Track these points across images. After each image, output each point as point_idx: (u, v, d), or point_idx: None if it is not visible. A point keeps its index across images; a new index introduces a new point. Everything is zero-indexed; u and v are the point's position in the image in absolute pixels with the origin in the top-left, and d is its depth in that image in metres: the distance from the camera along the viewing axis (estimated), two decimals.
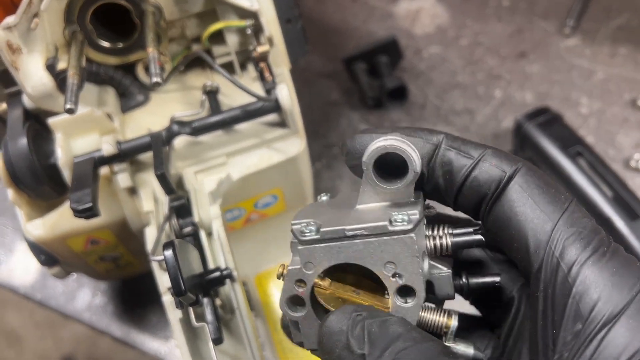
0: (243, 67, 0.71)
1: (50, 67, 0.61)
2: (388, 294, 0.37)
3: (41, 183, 0.62)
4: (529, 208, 0.34)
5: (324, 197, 0.44)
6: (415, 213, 0.36)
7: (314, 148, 0.93)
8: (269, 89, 0.64)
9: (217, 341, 0.53)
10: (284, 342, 0.75)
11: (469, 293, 0.39)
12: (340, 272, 0.38)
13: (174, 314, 0.55)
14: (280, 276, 0.39)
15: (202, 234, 0.60)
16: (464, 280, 0.39)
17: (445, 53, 1.02)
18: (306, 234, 0.37)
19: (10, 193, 0.63)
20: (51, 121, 0.62)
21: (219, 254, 0.58)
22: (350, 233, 0.36)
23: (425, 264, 0.37)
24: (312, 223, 0.37)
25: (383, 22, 1.07)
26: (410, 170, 0.36)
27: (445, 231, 0.37)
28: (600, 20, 1.03)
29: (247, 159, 0.66)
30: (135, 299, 0.82)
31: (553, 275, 0.32)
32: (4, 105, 0.66)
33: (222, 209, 0.65)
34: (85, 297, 0.83)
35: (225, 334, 0.57)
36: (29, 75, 0.60)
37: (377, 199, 0.38)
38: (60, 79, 0.61)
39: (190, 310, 0.56)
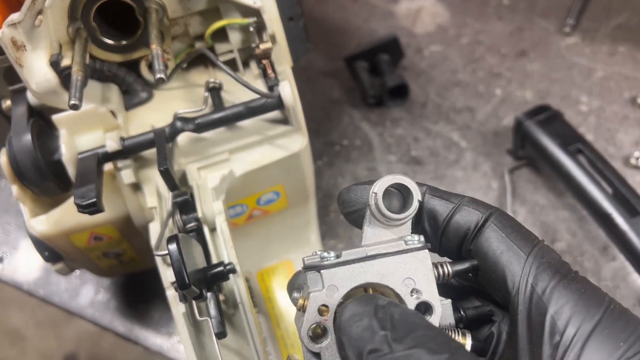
0: (246, 64, 0.72)
1: (54, 64, 0.61)
2: None
3: (45, 179, 0.63)
4: (503, 244, 0.38)
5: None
6: (421, 238, 0.40)
7: (315, 146, 0.93)
8: (272, 86, 0.65)
9: (221, 335, 0.54)
10: (286, 338, 0.75)
11: (465, 323, 0.41)
12: None
13: (177, 309, 0.56)
14: (301, 308, 0.38)
15: (206, 230, 0.60)
16: (461, 312, 0.41)
17: (446, 51, 1.03)
18: (327, 259, 0.39)
19: (15, 189, 0.64)
20: (55, 118, 0.63)
21: (222, 249, 0.59)
22: (371, 253, 0.39)
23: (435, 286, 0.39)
24: (329, 251, 0.39)
25: (384, 21, 1.08)
26: (414, 199, 0.40)
27: (445, 262, 0.41)
28: (600, 19, 1.04)
29: (249, 156, 0.66)
30: (138, 295, 0.83)
31: (528, 299, 0.36)
32: (8, 102, 0.66)
33: (225, 205, 0.66)
34: (88, 293, 0.83)
35: (228, 328, 0.58)
36: (33, 72, 0.60)
37: (381, 236, 0.41)
38: (64, 75, 0.62)
39: (194, 304, 0.57)
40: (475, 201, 0.41)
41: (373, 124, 0.96)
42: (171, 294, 0.57)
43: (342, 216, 0.45)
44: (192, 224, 0.60)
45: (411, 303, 0.38)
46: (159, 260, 0.57)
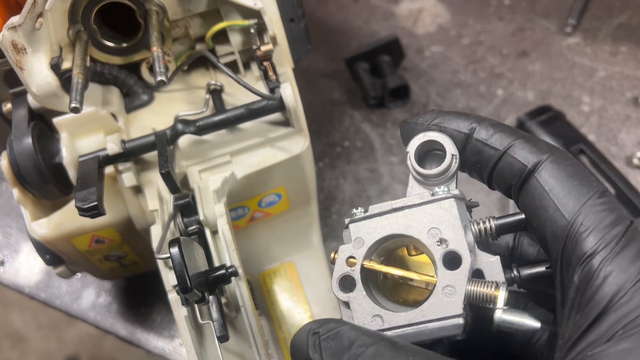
0: (246, 66, 0.72)
1: (55, 67, 0.61)
2: (436, 274, 0.38)
3: (46, 182, 0.62)
4: (547, 202, 0.35)
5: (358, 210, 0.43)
6: (455, 189, 0.39)
7: (316, 147, 0.93)
8: (273, 88, 0.65)
9: (223, 339, 0.54)
10: (289, 340, 0.75)
11: (520, 284, 0.39)
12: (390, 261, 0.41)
13: (179, 312, 0.55)
14: (332, 261, 0.40)
15: (207, 233, 0.60)
16: (515, 272, 0.39)
17: (447, 52, 1.03)
18: (355, 214, 0.40)
19: (16, 192, 0.64)
20: (56, 121, 0.63)
21: (224, 252, 0.58)
22: (397, 206, 0.39)
23: (469, 236, 0.38)
24: (359, 207, 0.41)
25: (385, 21, 1.08)
26: (447, 153, 0.39)
27: (489, 217, 0.39)
28: (602, 18, 1.03)
29: (251, 158, 0.66)
30: (140, 298, 0.82)
31: (568, 267, 0.33)
32: (9, 105, 0.66)
33: (226, 208, 0.66)
34: (89, 296, 0.83)
35: (230, 331, 0.57)
36: (34, 74, 0.60)
37: (422, 190, 0.41)
38: (64, 78, 0.61)
39: (196, 308, 0.57)
40: (525, 145, 0.37)
41: (374, 125, 0.96)
42: (173, 297, 0.56)
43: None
44: (194, 227, 0.60)
45: (438, 253, 0.37)
46: (160, 264, 0.57)
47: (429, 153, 0.42)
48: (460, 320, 0.36)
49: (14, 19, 0.57)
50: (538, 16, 1.05)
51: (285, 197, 0.73)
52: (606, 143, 0.89)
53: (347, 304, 0.39)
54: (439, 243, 0.38)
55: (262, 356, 0.57)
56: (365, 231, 0.39)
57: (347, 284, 0.39)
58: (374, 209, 0.40)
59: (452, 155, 0.40)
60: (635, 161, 0.87)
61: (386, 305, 0.39)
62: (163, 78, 0.56)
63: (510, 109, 0.95)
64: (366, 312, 0.38)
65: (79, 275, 0.83)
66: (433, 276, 0.38)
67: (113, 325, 0.81)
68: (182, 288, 0.47)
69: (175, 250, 0.47)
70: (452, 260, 0.37)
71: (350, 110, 0.98)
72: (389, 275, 0.40)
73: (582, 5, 1.03)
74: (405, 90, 0.96)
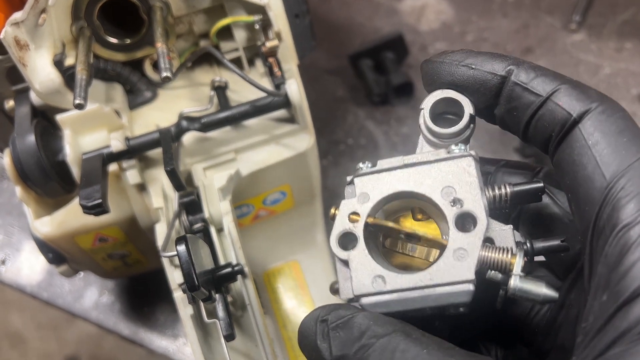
0: (251, 63, 0.71)
1: (58, 64, 0.61)
2: (447, 237, 0.35)
3: (49, 180, 0.62)
4: (587, 158, 0.30)
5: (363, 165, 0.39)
6: (468, 148, 0.36)
7: (320, 144, 0.91)
8: (278, 84, 0.64)
9: (229, 337, 0.53)
10: (293, 340, 0.74)
11: (532, 257, 0.36)
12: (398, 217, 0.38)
13: (185, 311, 0.55)
14: (332, 217, 0.37)
15: (213, 230, 0.59)
16: (527, 245, 0.35)
17: (451, 49, 1.02)
18: (362, 169, 0.37)
19: (18, 190, 0.63)
20: (59, 118, 0.62)
21: (229, 250, 0.58)
22: (409, 162, 0.36)
23: (484, 199, 0.35)
24: (365, 161, 0.37)
25: (388, 18, 1.07)
26: (465, 113, 0.36)
27: (504, 183, 0.36)
28: (606, 14, 1.03)
29: (256, 155, 0.65)
30: (143, 297, 0.82)
31: (600, 236, 0.29)
32: (11, 102, 0.65)
33: (232, 206, 0.65)
34: (92, 295, 0.83)
35: (236, 330, 0.57)
36: (37, 71, 0.60)
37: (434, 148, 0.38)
38: (67, 75, 0.61)
39: (202, 306, 0.56)
40: (571, 92, 0.32)
41: (378, 123, 0.95)
42: (179, 295, 0.56)
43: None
44: (199, 225, 0.60)
45: (451, 213, 0.34)
46: (166, 262, 0.56)
47: (441, 116, 0.39)
48: (471, 287, 0.32)
49: (17, 15, 0.56)
50: (542, 12, 1.05)
51: (290, 195, 0.72)
52: None
53: (345, 263, 0.36)
54: (452, 203, 0.34)
55: (269, 355, 0.56)
56: (371, 186, 0.36)
57: (347, 241, 0.36)
58: (383, 163, 0.37)
59: (470, 115, 0.36)
60: None
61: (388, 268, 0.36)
62: (168, 74, 0.55)
63: None
64: (367, 272, 0.34)
65: (81, 274, 0.82)
66: (443, 237, 0.36)
67: (116, 325, 0.81)
68: (190, 286, 0.46)
69: (182, 247, 0.46)
70: (465, 222, 0.34)
71: (354, 108, 0.97)
72: (396, 232, 0.36)
73: (586, 2, 1.02)
74: (409, 87, 0.95)
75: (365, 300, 0.34)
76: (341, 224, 0.36)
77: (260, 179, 0.67)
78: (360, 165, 0.38)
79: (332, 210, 0.37)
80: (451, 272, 0.33)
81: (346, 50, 1.00)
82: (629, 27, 1.01)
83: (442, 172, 0.35)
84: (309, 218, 0.77)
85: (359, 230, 0.36)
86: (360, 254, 0.35)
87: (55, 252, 0.67)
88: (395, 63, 0.96)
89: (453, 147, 0.36)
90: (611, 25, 1.01)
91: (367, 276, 0.34)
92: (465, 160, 0.35)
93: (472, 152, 0.36)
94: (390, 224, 0.36)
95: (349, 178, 0.38)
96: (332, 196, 0.88)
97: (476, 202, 0.34)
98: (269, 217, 0.74)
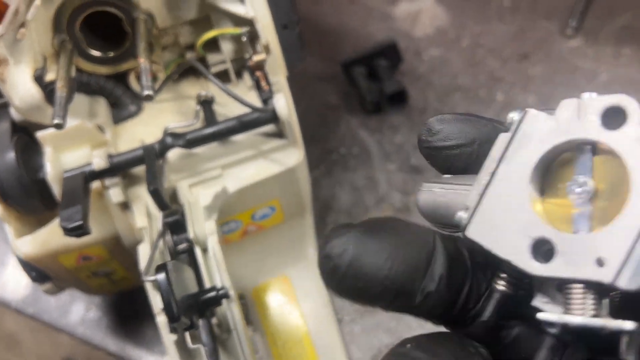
0: (239, 75, 0.69)
1: (39, 79, 0.59)
2: None
3: (30, 198, 0.60)
4: None
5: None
6: None
7: (312, 154, 0.90)
8: (266, 98, 0.62)
9: None
10: (284, 357, 0.73)
11: None
12: None
13: (168, 337, 0.53)
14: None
15: (198, 251, 0.58)
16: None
17: (445, 55, 1.00)
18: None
19: None
20: (40, 135, 0.60)
21: (214, 272, 0.56)
22: None
23: None
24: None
25: (382, 23, 1.05)
26: None
27: None
28: (604, 19, 1.01)
29: (243, 171, 0.64)
30: (130, 312, 0.80)
31: None
32: None
33: (218, 223, 0.63)
34: (79, 311, 0.81)
35: (222, 353, 0.55)
36: (17, 87, 0.58)
37: None
38: (49, 90, 0.59)
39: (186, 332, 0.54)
40: None
41: (371, 131, 0.93)
42: (162, 320, 0.54)
43: None
44: (184, 245, 0.58)
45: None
46: (148, 286, 0.55)
47: None
48: None
49: None
50: (539, 18, 1.03)
51: (279, 210, 0.70)
52: None
53: None
54: None
55: None
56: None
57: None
58: None
59: None
60: None
61: None
62: (150, 92, 0.53)
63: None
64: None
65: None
66: None
67: (103, 341, 0.79)
68: (170, 318, 0.44)
69: (162, 276, 0.45)
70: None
71: (346, 116, 0.96)
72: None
73: (583, 6, 1.01)
74: (403, 95, 0.93)
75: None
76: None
77: (248, 195, 0.65)
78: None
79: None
80: None
81: (338, 56, 0.98)
82: (626, 33, 0.99)
83: None
84: (300, 232, 0.76)
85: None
86: None
87: (39, 270, 0.66)
88: (389, 70, 0.95)
89: None
90: (608, 30, 1.00)
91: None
92: None
93: None
94: None
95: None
96: (324, 207, 0.87)
97: None
98: (258, 232, 0.72)
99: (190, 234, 0.58)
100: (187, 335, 0.54)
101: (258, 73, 0.62)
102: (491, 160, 0.28)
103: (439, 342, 0.27)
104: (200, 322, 0.52)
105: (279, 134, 0.64)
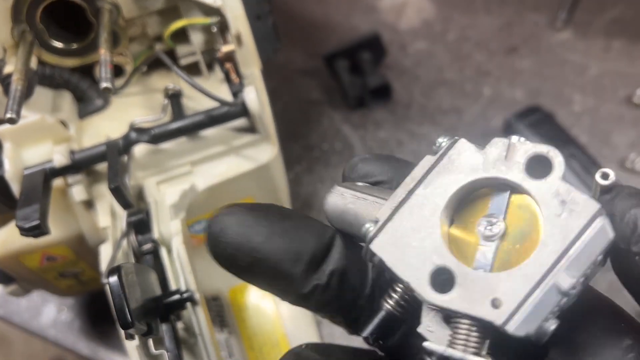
0: (211, 67, 0.66)
1: None
2: None
3: None
4: None
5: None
6: None
7: (293, 150, 0.88)
8: (236, 91, 0.59)
9: None
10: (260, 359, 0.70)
11: None
12: None
13: (130, 343, 0.50)
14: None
15: (163, 252, 0.55)
16: None
17: (431, 48, 0.98)
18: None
19: None
20: None
21: (179, 274, 0.53)
22: None
23: None
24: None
25: (366, 15, 1.02)
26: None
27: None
28: (594, 12, 0.98)
29: (214, 168, 0.61)
30: (103, 314, 0.77)
31: None
32: None
33: (187, 222, 0.61)
34: (50, 312, 0.78)
35: (189, 358, 0.53)
36: None
37: None
38: (6, 84, 0.56)
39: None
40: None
41: (354, 127, 0.91)
42: None
43: None
44: (149, 246, 0.55)
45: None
46: (108, 289, 0.52)
47: None
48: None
49: None
50: (527, 10, 1.00)
51: None
52: (598, 144, 0.85)
53: None
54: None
55: None
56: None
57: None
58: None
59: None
60: (628, 164, 0.82)
61: None
62: (108, 85, 0.51)
63: (498, 108, 0.90)
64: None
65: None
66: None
67: (75, 344, 0.76)
68: (122, 324, 0.42)
69: (114, 280, 0.42)
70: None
71: (329, 111, 0.93)
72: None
73: None
74: (387, 89, 0.91)
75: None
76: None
77: (219, 193, 0.62)
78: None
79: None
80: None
81: (321, 50, 0.95)
82: (617, 26, 0.96)
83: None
84: None
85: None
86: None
87: (1, 271, 0.63)
88: (373, 64, 0.92)
89: None
90: (599, 23, 0.97)
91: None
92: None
93: None
94: None
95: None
96: (305, 205, 0.84)
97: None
98: None
99: (155, 234, 0.55)
100: (150, 340, 0.52)
101: (228, 65, 0.59)
102: (411, 179, 0.27)
103: (335, 348, 0.28)
104: (164, 327, 0.50)
105: (251, 129, 0.61)
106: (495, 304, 0.24)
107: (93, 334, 0.77)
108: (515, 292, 0.23)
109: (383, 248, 0.26)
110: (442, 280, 0.25)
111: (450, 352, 0.24)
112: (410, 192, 0.27)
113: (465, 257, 0.26)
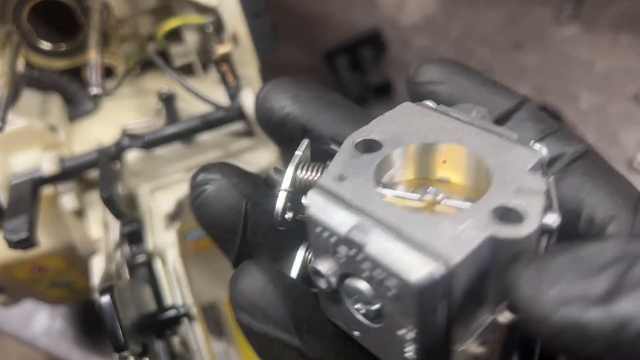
0: (206, 67, 0.64)
1: None
2: None
3: None
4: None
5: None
6: None
7: None
8: (233, 94, 0.57)
9: None
10: None
11: None
12: None
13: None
14: None
15: (158, 263, 0.53)
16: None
17: (434, 44, 0.95)
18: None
19: None
20: None
21: (175, 287, 0.51)
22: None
23: None
24: None
25: (367, 11, 0.99)
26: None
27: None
28: (600, 6, 0.96)
29: None
30: (97, 322, 0.74)
31: None
32: None
33: (183, 230, 0.58)
34: (43, 321, 0.76)
35: None
36: None
37: None
38: None
39: None
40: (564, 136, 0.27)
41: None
42: None
43: None
44: (142, 258, 0.53)
45: None
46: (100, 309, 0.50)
47: None
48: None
49: None
50: (532, 4, 0.97)
51: None
52: (606, 144, 0.82)
53: None
54: None
55: None
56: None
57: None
58: None
59: None
60: (636, 164, 0.80)
61: None
62: (98, 91, 0.48)
63: None
64: None
65: None
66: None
67: (69, 353, 0.74)
68: (115, 347, 0.39)
69: (106, 300, 0.39)
70: None
71: None
72: None
73: None
74: (388, 87, 0.88)
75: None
76: None
77: None
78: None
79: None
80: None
81: (321, 46, 0.93)
82: (624, 20, 0.94)
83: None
84: None
85: None
86: None
87: None
88: (373, 61, 0.89)
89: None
90: (605, 17, 0.94)
91: None
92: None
93: None
94: None
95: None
96: None
97: None
98: None
99: (150, 245, 0.53)
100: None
101: (224, 67, 0.57)
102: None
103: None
104: (160, 345, 0.47)
105: (249, 133, 0.59)
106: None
107: (87, 342, 0.75)
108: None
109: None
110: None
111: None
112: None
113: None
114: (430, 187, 0.25)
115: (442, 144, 0.25)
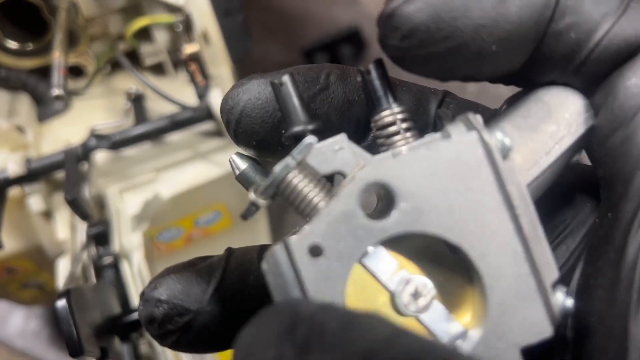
0: (178, 67, 0.63)
1: None
2: None
3: None
4: None
5: None
6: None
7: None
8: (201, 94, 0.56)
9: None
10: None
11: None
12: None
13: None
14: None
15: (125, 265, 0.52)
16: None
17: None
18: None
19: None
20: None
21: (140, 289, 0.51)
22: None
23: None
24: None
25: (348, 7, 0.99)
26: None
27: None
28: None
29: (179, 174, 0.58)
30: None
31: None
32: None
33: (153, 230, 0.58)
34: (17, 321, 0.75)
35: None
36: None
37: None
38: None
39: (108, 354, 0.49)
40: None
41: None
42: None
43: None
44: (109, 259, 0.52)
45: None
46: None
47: None
48: None
49: None
50: None
51: (226, 214, 0.65)
52: None
53: None
54: None
55: None
56: None
57: None
58: None
59: None
60: None
61: None
62: (60, 92, 0.47)
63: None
64: None
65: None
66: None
67: (44, 354, 0.74)
68: (71, 351, 0.39)
69: (62, 304, 0.39)
70: None
71: None
72: None
73: None
74: None
75: None
76: None
77: (187, 200, 0.59)
78: None
79: None
80: None
81: (301, 42, 0.92)
82: None
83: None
84: (252, 236, 0.70)
85: None
86: None
87: None
88: (353, 59, 0.89)
89: None
90: None
91: None
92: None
93: None
94: None
95: None
96: (283, 209, 0.81)
97: None
98: (205, 238, 0.66)
99: (116, 246, 0.52)
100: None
101: (192, 66, 0.56)
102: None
103: None
104: (124, 349, 0.47)
105: (219, 133, 0.58)
106: None
107: (62, 343, 0.74)
108: None
109: None
110: None
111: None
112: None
113: None
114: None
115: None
